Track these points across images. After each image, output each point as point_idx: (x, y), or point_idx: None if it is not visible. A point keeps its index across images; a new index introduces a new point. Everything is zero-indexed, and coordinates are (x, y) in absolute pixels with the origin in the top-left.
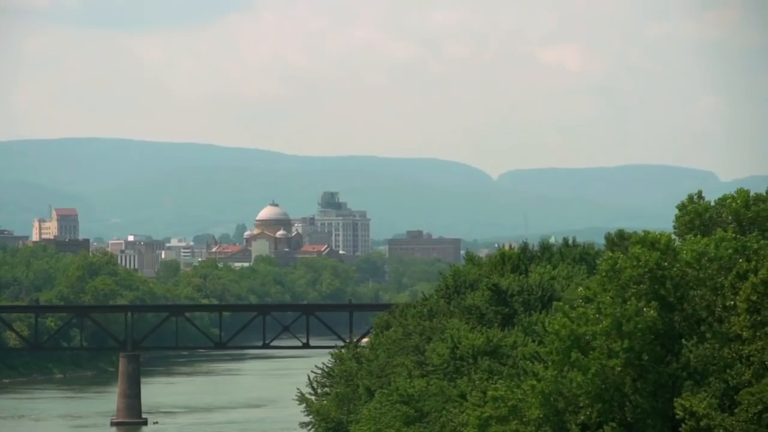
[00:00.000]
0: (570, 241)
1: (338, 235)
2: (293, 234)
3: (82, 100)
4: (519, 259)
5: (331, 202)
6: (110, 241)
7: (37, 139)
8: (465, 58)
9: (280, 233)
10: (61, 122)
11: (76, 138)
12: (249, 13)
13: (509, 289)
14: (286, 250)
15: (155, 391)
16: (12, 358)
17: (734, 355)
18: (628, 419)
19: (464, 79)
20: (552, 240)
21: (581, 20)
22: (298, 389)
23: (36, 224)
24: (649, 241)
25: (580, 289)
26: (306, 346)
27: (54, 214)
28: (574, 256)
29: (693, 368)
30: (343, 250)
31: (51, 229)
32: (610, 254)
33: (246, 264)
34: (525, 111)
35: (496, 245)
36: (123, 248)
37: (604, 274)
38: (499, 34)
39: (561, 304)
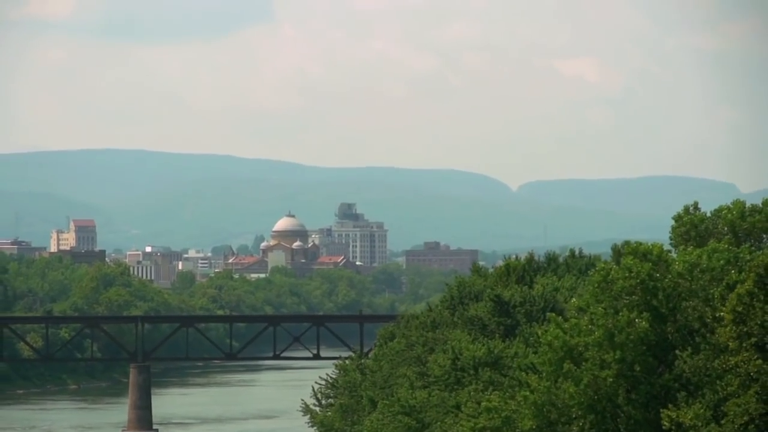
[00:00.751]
0: (576, 252)
1: (355, 246)
2: (309, 245)
3: (102, 112)
4: (524, 271)
5: (348, 213)
6: (128, 253)
7: (57, 150)
8: (483, 69)
9: (296, 244)
10: (81, 134)
11: (96, 149)
12: (268, 25)
13: (512, 300)
14: (303, 261)
15: (167, 402)
16: (26, 369)
17: (724, 366)
18: (621, 430)
19: (483, 90)
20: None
21: (599, 33)
22: (303, 400)
23: (54, 235)
24: (641, 252)
25: (574, 299)
26: (317, 357)
27: (72, 225)
28: (580, 267)
29: (686, 379)
30: (360, 262)
31: (69, 241)
32: (603, 265)
33: (262, 275)
34: (544, 122)
35: (514, 256)
36: (140, 259)
37: (596, 285)
38: (517, 46)
39: (554, 315)
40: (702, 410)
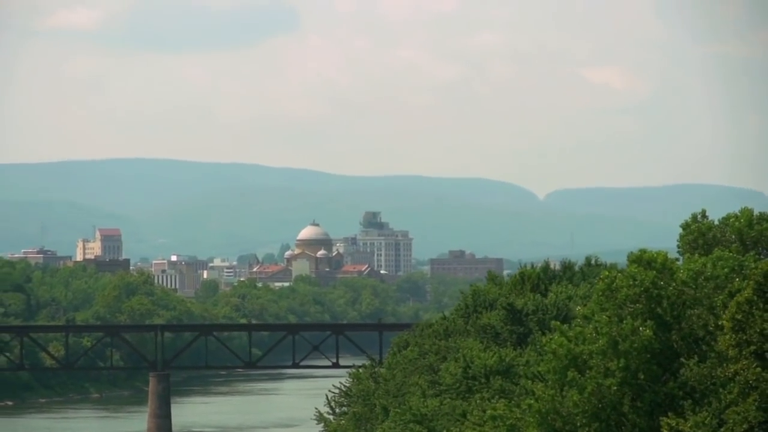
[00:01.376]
0: (593, 261)
1: (380, 254)
2: (334, 254)
3: (129, 121)
4: (539, 279)
5: (373, 221)
6: (154, 261)
7: (84, 160)
8: (509, 77)
9: (320, 253)
10: (108, 143)
11: (123, 159)
12: (294, 35)
13: (524, 309)
14: (327, 270)
15: (188, 410)
16: (48, 378)
17: (725, 374)
18: None
19: (509, 98)
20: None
21: (626, 41)
22: (316, 409)
23: (80, 244)
24: (645, 260)
25: (579, 308)
26: (336, 365)
27: (97, 234)
28: (596, 275)
29: (691, 388)
30: (385, 270)
31: (95, 250)
32: (607, 273)
33: (286, 284)
34: (571, 130)
35: (530, 265)
36: (165, 268)
37: (600, 293)
38: (543, 55)
39: (558, 323)
40: (702, 418)
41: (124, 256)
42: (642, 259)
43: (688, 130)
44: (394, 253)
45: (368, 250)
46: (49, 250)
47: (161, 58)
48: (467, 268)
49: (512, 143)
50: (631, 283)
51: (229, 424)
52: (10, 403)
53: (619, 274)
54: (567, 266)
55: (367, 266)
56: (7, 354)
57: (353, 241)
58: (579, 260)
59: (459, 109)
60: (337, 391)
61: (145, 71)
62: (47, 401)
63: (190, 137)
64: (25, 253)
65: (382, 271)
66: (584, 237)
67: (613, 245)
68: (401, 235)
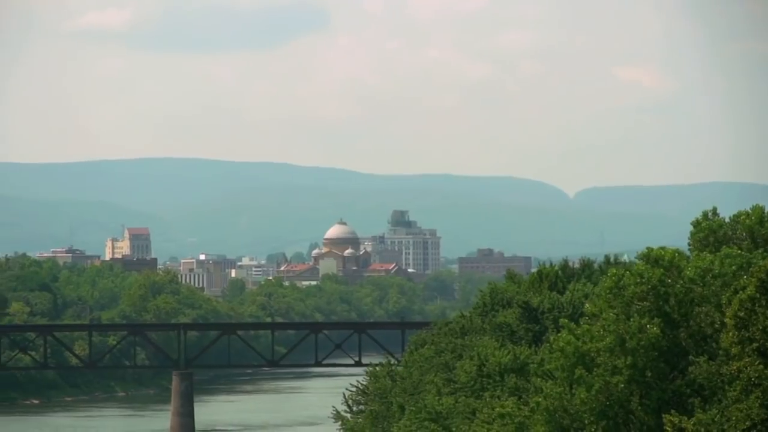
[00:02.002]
0: (612, 259)
1: (408, 253)
2: (361, 252)
3: (158, 121)
4: (557, 277)
5: (401, 220)
6: (182, 261)
7: (114, 159)
8: (540, 76)
9: (348, 252)
10: (138, 143)
11: (153, 158)
12: (323, 35)
13: (540, 307)
14: (354, 268)
15: (212, 409)
16: (74, 377)
17: (730, 371)
18: None
19: (538, 97)
20: (625, 258)
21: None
22: (334, 407)
23: (109, 243)
24: (652, 258)
25: (587, 305)
26: (358, 364)
27: (126, 233)
28: None
29: (699, 385)
30: (413, 269)
31: (123, 249)
32: (614, 270)
33: (313, 282)
34: (601, 128)
35: (549, 263)
36: (192, 267)
37: (608, 290)
38: (573, 53)
39: (566, 321)
40: (710, 416)
41: (154, 256)
42: (650, 257)
43: (718, 128)
44: (422, 252)
45: (396, 248)
46: (77, 250)
47: (191, 58)
48: (495, 267)
49: (542, 142)
50: (638, 280)
51: (252, 423)
52: (36, 401)
53: (627, 272)
54: (586, 264)
55: (394, 265)
56: (32, 353)
57: (381, 239)
58: (588, 258)
59: (488, 108)
60: (354, 389)
61: (175, 71)
62: (73, 400)
63: (220, 137)
64: (53, 252)
65: (409, 270)
66: (614, 235)
67: (644, 243)
68: (429, 234)
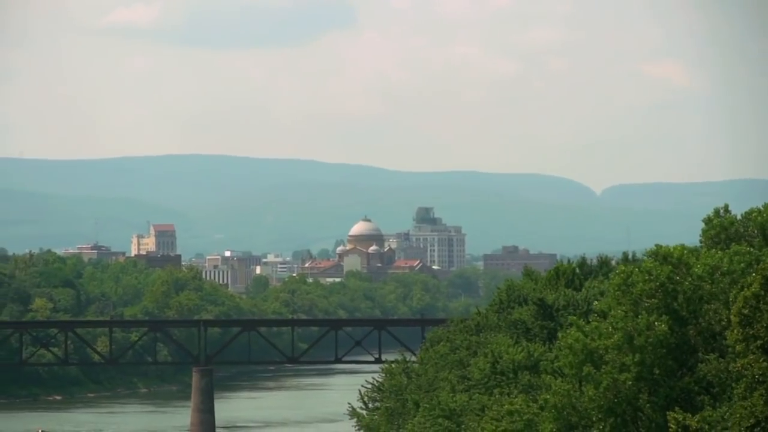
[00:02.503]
0: (630, 256)
1: (433, 250)
2: (386, 249)
3: (185, 118)
4: (573, 274)
5: (425, 217)
6: (207, 257)
7: (141, 156)
8: (566, 72)
9: (372, 249)
10: (165, 140)
11: (180, 155)
12: (350, 31)
13: (555, 304)
14: (378, 265)
15: (234, 405)
16: (97, 373)
17: (737, 368)
18: None
19: (566, 94)
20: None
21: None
22: (350, 404)
23: (134, 240)
24: (661, 255)
25: (596, 303)
26: (378, 360)
27: (152, 230)
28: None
29: (707, 382)
30: (438, 266)
31: (149, 245)
32: (623, 268)
33: (337, 279)
34: (629, 125)
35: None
36: (217, 264)
37: (616, 288)
38: (601, 49)
39: (575, 318)
40: (710, 413)
41: (181, 252)
42: (658, 254)
43: (747, 125)
44: (447, 249)
45: (421, 245)
46: (103, 246)
47: (217, 55)
48: (520, 264)
49: (569, 138)
50: (647, 277)
51: (273, 419)
52: (58, 397)
53: (636, 270)
54: (603, 261)
55: (418, 262)
56: (55, 349)
57: (406, 236)
58: (606, 256)
59: (515, 105)
60: (369, 386)
61: (202, 68)
62: (95, 396)
63: (247, 133)
64: (79, 248)
65: (434, 267)
66: (641, 232)
67: (671, 241)
68: (454, 231)
